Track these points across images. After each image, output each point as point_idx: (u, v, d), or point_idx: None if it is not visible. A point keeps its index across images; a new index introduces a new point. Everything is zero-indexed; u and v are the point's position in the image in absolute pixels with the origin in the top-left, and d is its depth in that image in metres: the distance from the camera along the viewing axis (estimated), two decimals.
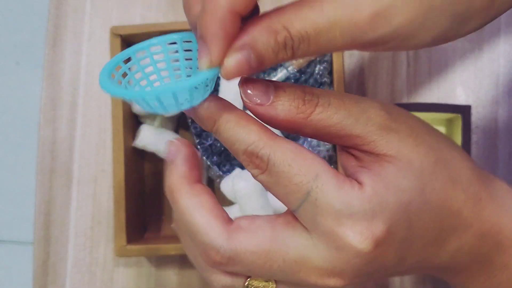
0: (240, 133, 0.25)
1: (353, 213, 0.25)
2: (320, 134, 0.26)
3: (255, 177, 0.26)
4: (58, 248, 0.58)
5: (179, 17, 0.60)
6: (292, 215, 0.27)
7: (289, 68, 0.53)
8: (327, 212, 0.25)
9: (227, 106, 0.26)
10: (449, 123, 0.53)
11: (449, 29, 0.27)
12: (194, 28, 0.25)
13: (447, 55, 0.57)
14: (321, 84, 0.53)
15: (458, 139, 0.51)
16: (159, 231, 0.58)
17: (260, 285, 0.27)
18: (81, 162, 0.59)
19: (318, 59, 0.52)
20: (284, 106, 0.25)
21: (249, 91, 0.25)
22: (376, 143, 0.26)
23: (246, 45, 0.24)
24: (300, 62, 0.53)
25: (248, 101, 0.25)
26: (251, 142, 0.25)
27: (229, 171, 0.54)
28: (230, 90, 0.53)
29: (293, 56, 0.25)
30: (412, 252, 0.27)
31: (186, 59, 0.29)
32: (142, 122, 0.56)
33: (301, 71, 0.54)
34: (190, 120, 0.55)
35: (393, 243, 0.26)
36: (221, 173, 0.54)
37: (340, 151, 0.29)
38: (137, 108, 0.54)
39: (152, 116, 0.56)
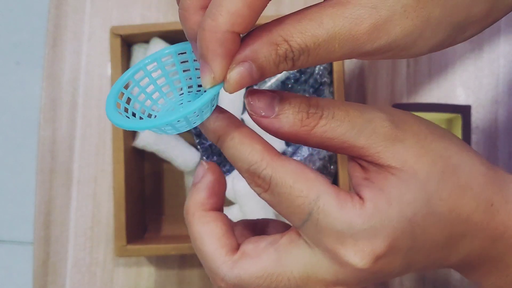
0: (243, 152, 0.26)
1: (354, 233, 0.25)
2: (324, 146, 0.26)
3: (258, 195, 0.27)
4: (58, 248, 0.58)
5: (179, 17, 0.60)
6: (295, 232, 0.27)
7: None
8: (329, 232, 0.25)
9: (233, 122, 0.26)
10: (449, 123, 0.53)
11: (446, 38, 0.27)
12: (191, 38, 0.26)
13: (447, 55, 0.57)
14: (321, 84, 0.53)
15: None
16: (159, 231, 0.58)
17: None
18: (81, 162, 0.59)
19: None
20: (289, 119, 0.26)
21: (253, 103, 0.26)
22: (381, 154, 0.26)
23: (248, 58, 0.24)
24: None
25: (253, 113, 0.26)
26: (253, 162, 0.26)
27: (229, 171, 0.54)
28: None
29: (293, 67, 0.25)
30: (419, 258, 0.27)
31: (184, 71, 0.29)
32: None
33: (301, 71, 0.54)
34: None
35: (397, 255, 0.26)
36: None
37: (349, 160, 0.29)
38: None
39: None
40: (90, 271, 0.58)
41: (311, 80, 0.53)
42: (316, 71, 0.53)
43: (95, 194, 0.59)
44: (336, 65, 0.51)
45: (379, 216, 0.25)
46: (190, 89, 0.29)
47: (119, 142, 0.52)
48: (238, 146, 0.26)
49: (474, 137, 0.56)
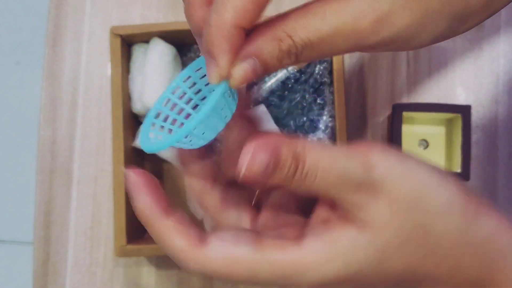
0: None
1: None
2: (299, 191, 0.26)
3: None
4: (58, 248, 0.58)
5: (179, 17, 0.60)
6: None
7: (289, 68, 0.53)
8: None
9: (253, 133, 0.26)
10: (449, 123, 0.53)
11: (447, 29, 0.27)
12: (196, 34, 0.26)
13: (447, 55, 0.57)
14: (321, 83, 0.53)
15: (458, 138, 0.51)
16: None
17: None
18: (81, 162, 0.59)
19: None
20: (281, 175, 0.25)
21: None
22: (350, 212, 0.25)
23: (252, 54, 0.24)
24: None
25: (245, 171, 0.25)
26: None
27: None
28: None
29: (296, 62, 0.25)
30: None
31: (206, 85, 0.28)
32: (142, 122, 0.56)
33: (301, 71, 0.54)
34: None
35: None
36: None
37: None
38: (137, 108, 0.54)
39: None
40: (90, 271, 0.58)
41: (311, 80, 0.53)
42: (316, 71, 0.53)
43: (95, 194, 0.59)
44: (336, 64, 0.51)
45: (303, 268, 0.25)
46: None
47: (119, 142, 0.52)
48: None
49: (474, 137, 0.56)
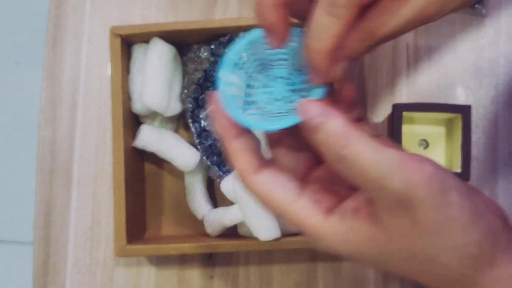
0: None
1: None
2: (342, 175, 0.29)
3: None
4: (58, 248, 0.58)
5: (179, 17, 0.60)
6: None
7: None
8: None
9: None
10: (449, 123, 0.53)
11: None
12: (266, 30, 0.31)
13: (447, 55, 0.58)
14: None
15: (458, 139, 0.51)
16: (159, 231, 0.58)
17: None
18: (81, 162, 0.59)
19: None
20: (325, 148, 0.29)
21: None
22: (378, 214, 0.28)
23: (346, 56, 0.30)
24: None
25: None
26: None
27: (229, 171, 0.54)
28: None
29: (374, 50, 0.31)
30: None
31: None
32: (142, 122, 0.56)
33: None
34: (190, 120, 0.55)
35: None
36: (221, 173, 0.54)
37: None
38: (137, 108, 0.54)
39: (152, 116, 0.56)
40: (90, 271, 0.58)
41: None
42: None
43: (95, 194, 0.59)
44: None
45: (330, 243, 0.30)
46: (264, 70, 0.35)
47: (119, 142, 0.52)
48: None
49: (474, 137, 0.56)
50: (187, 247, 0.52)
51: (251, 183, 0.31)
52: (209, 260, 0.58)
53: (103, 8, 0.60)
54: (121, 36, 0.52)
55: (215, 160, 0.55)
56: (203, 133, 0.56)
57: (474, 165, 0.56)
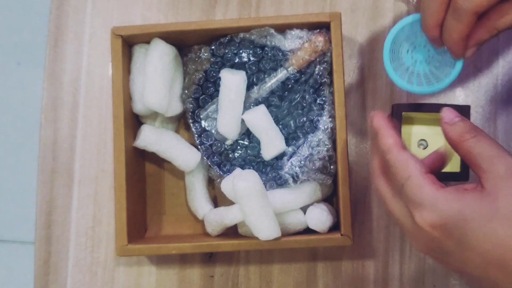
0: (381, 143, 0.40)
1: (425, 205, 0.36)
2: (465, 158, 0.38)
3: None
4: (59, 247, 0.59)
5: (180, 18, 0.60)
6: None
7: (289, 69, 0.54)
8: (409, 201, 0.37)
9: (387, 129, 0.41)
10: None
11: None
12: (431, 41, 0.47)
13: None
14: (321, 84, 0.53)
15: None
16: (160, 231, 0.58)
17: None
18: (82, 162, 0.59)
19: (318, 59, 0.53)
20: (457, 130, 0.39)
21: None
22: (491, 180, 0.36)
23: (476, 44, 0.45)
24: (299, 62, 0.53)
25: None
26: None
27: (230, 171, 0.54)
28: (230, 91, 0.53)
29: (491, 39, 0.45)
30: (468, 255, 0.35)
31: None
32: (143, 122, 0.56)
33: (301, 71, 0.54)
34: (191, 120, 0.56)
35: (449, 236, 0.35)
36: (221, 173, 0.55)
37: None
38: (138, 108, 0.54)
39: (153, 117, 0.56)
40: (91, 271, 0.58)
41: (311, 80, 0.54)
42: (316, 72, 0.53)
43: (96, 194, 0.59)
44: (335, 65, 0.51)
45: (443, 203, 0.36)
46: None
47: (120, 142, 0.52)
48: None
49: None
50: (187, 247, 0.52)
51: (398, 153, 0.39)
52: (209, 259, 0.58)
53: (104, 9, 0.60)
54: (122, 36, 0.52)
55: (216, 160, 0.55)
56: (204, 133, 0.56)
57: None
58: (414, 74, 0.50)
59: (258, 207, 0.49)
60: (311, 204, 0.54)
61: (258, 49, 0.55)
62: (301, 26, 0.53)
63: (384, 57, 0.49)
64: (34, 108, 1.28)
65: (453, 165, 0.52)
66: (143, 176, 0.58)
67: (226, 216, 0.52)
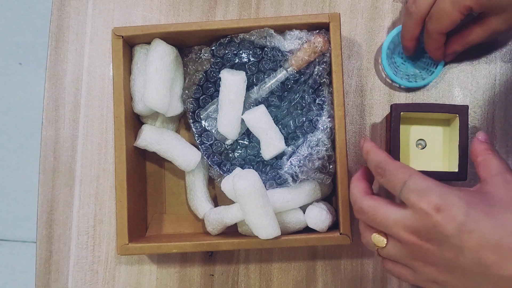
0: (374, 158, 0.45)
1: (429, 191, 0.39)
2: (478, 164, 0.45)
3: (378, 180, 0.44)
4: (61, 246, 0.59)
5: (180, 18, 0.60)
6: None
7: (289, 69, 0.54)
8: (413, 192, 0.39)
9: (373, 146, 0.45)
10: (447, 123, 0.54)
11: None
12: (405, 48, 0.56)
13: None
14: (320, 84, 0.54)
15: (455, 139, 0.51)
16: (161, 230, 0.58)
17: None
18: (83, 162, 0.59)
19: (317, 60, 0.53)
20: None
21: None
22: (490, 179, 0.42)
23: (452, 53, 0.54)
24: (299, 63, 0.53)
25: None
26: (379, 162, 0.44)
27: (230, 170, 0.55)
28: (230, 91, 0.53)
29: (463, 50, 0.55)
30: (470, 244, 0.37)
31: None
32: (144, 122, 0.57)
33: (300, 72, 0.54)
34: (191, 120, 0.56)
35: (451, 219, 0.37)
36: (221, 172, 0.55)
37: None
38: (139, 108, 0.55)
39: (153, 117, 0.56)
40: (92, 269, 0.59)
41: (310, 81, 0.54)
42: (315, 72, 0.53)
43: (97, 193, 0.59)
44: (334, 65, 0.51)
45: (447, 190, 0.39)
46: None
47: (121, 142, 0.52)
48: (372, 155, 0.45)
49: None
50: (188, 246, 0.52)
51: (392, 161, 0.43)
52: (209, 258, 0.58)
53: (105, 10, 0.61)
54: (122, 37, 0.53)
55: (216, 159, 0.56)
56: (204, 133, 0.56)
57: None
58: (403, 73, 0.58)
59: (258, 206, 0.49)
60: (311, 203, 0.54)
61: (258, 50, 0.55)
62: (300, 27, 0.53)
63: (382, 55, 0.56)
64: (36, 108, 1.28)
65: (451, 165, 0.52)
66: (144, 175, 0.58)
67: (226, 215, 0.52)
